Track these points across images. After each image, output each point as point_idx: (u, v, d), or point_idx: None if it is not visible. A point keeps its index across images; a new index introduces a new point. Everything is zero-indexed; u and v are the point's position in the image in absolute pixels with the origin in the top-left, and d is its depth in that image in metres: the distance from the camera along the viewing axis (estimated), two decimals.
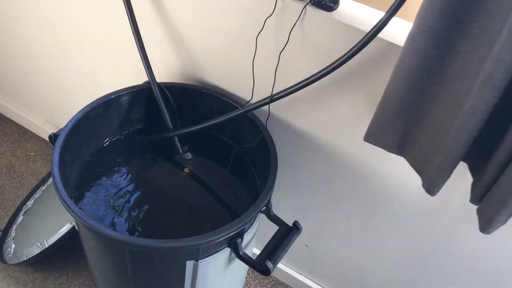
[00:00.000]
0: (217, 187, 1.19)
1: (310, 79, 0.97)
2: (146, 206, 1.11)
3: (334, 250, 1.40)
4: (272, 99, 1.03)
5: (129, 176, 1.17)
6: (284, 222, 1.06)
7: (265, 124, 1.10)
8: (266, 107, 1.07)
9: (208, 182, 1.20)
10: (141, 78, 1.25)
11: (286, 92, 1.01)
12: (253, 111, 1.10)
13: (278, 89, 1.02)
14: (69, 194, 1.02)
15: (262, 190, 1.05)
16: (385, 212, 1.18)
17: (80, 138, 1.13)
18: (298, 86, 0.99)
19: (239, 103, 1.19)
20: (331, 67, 0.93)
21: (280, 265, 1.58)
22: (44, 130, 1.94)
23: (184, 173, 1.19)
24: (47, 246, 1.34)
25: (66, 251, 1.52)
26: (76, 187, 1.12)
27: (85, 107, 1.12)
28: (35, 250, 1.35)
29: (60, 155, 1.03)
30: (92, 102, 1.14)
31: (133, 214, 1.09)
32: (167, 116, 1.21)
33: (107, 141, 1.23)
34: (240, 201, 1.16)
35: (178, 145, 1.22)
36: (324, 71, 0.94)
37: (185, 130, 1.17)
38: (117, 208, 1.09)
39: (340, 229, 1.33)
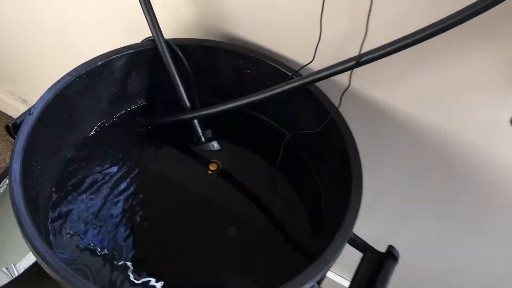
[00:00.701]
0: (260, 192, 0.81)
1: (427, 32, 0.59)
2: (153, 229, 0.74)
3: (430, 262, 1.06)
4: (359, 61, 0.64)
5: (128, 180, 0.79)
6: (372, 247, 0.70)
7: (339, 100, 0.72)
8: (338, 77, 0.69)
9: (245, 184, 0.82)
10: (139, 34, 0.85)
11: (384, 50, 0.62)
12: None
13: (352, 47, 0.64)
14: (40, 222, 0.65)
15: (329, 199, 0.70)
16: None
17: (54, 128, 0.74)
18: (406, 42, 0.60)
19: (290, 67, 0.80)
20: (465, 14, 0.55)
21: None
22: (4, 102, 1.52)
23: (209, 172, 0.82)
24: (17, 273, 0.96)
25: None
26: (53, 204, 0.74)
27: (58, 82, 0.73)
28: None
29: (23, 162, 0.64)
30: (69, 74, 0.74)
31: (134, 244, 0.72)
32: (182, 89, 0.82)
33: (94, 129, 0.84)
34: (296, 216, 0.79)
35: (199, 131, 0.84)
36: (452, 20, 0.56)
37: (209, 111, 0.79)
38: (109, 233, 0.72)
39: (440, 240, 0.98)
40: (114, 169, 0.80)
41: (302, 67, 0.78)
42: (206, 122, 0.85)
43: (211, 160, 0.84)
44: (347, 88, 0.68)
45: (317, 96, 0.77)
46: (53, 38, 1.18)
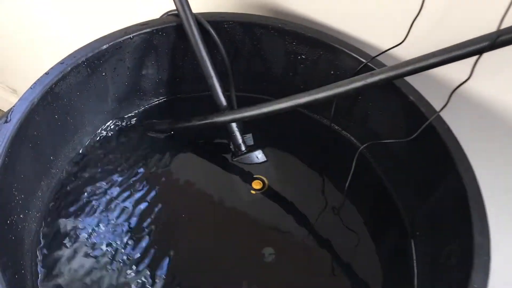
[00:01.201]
0: (318, 222, 0.61)
1: None
2: (183, 265, 0.54)
3: None
4: (495, 42, 0.43)
5: (145, 203, 0.58)
6: None
7: (447, 99, 0.50)
8: (442, 68, 0.47)
9: (299, 209, 0.62)
10: (157, 9, 0.63)
11: None
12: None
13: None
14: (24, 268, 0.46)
15: (423, 240, 0.54)
16: None
17: (43, 138, 0.53)
18: None
19: (364, 53, 0.58)
20: None
21: None
22: None
23: (252, 192, 0.61)
24: None
25: None
26: (44, 246, 0.53)
27: (47, 75, 0.51)
28: None
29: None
30: (63, 62, 0.53)
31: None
32: (216, 81, 0.61)
33: (98, 137, 0.63)
34: (368, 260, 0.58)
35: (239, 138, 0.63)
36: None
37: (253, 112, 0.58)
38: (125, 277, 0.52)
39: None
40: (126, 191, 0.59)
41: (384, 52, 0.56)
42: (245, 125, 0.64)
43: (255, 176, 0.63)
44: (467, 80, 0.46)
45: (406, 93, 0.55)
46: (47, 12, 0.95)
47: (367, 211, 0.61)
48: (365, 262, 0.56)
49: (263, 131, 0.65)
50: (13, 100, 1.37)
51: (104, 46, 0.55)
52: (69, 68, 0.53)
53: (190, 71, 0.65)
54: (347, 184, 0.59)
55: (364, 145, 0.59)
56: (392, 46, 0.55)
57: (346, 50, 0.59)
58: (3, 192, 0.45)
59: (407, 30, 0.52)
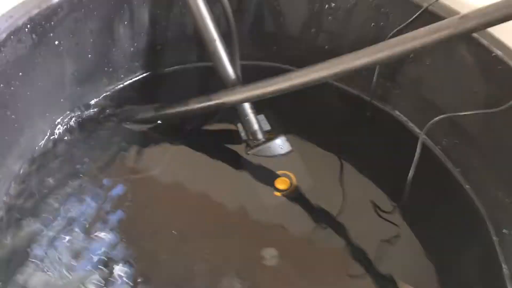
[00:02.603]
0: (363, 233, 0.45)
1: None
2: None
3: None
4: None
5: (119, 216, 0.41)
6: None
7: None
8: None
9: (336, 215, 0.46)
10: None
11: None
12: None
13: None
14: None
15: None
16: None
17: None
18: None
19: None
20: None
21: None
22: None
23: (275, 193, 0.45)
24: None
25: None
26: None
27: None
28: None
29: None
30: None
31: None
32: (219, 46, 0.43)
33: (50, 136, 0.44)
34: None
35: (254, 122, 0.46)
36: None
37: (275, 86, 0.41)
38: None
39: None
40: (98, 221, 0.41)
41: None
42: (262, 106, 0.47)
43: (277, 173, 0.46)
44: None
45: (487, 45, 0.40)
46: None
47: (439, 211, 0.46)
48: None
49: (279, 110, 0.48)
50: None
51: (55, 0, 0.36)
52: (4, 35, 0.33)
53: (178, 33, 0.47)
54: (410, 175, 0.43)
55: (433, 121, 0.43)
56: None
57: None
58: None
59: None
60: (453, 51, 0.43)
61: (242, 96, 0.43)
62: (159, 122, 0.47)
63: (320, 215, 0.46)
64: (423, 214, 0.46)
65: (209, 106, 0.44)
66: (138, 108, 0.47)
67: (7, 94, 0.37)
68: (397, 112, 0.50)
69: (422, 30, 0.36)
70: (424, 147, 0.45)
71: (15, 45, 0.35)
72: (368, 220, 0.45)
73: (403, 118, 0.50)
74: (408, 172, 0.43)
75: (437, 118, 0.44)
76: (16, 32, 0.35)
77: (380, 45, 0.38)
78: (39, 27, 0.37)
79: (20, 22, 0.35)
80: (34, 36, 0.36)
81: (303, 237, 0.45)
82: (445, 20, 0.36)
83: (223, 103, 0.43)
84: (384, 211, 0.46)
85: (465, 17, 0.35)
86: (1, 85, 0.35)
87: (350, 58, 0.39)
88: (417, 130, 0.48)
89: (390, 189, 0.47)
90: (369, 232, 0.45)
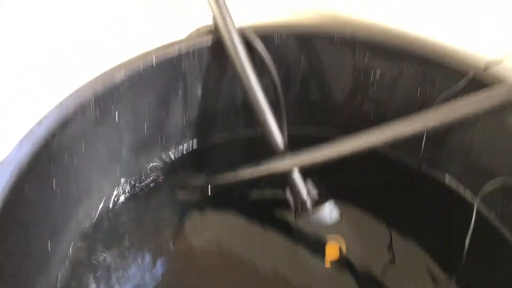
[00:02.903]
0: None
1: None
2: None
3: None
4: None
5: None
6: None
7: None
8: None
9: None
10: (182, 23, 0.47)
11: None
12: None
13: None
14: None
15: None
16: None
17: (36, 221, 0.35)
18: None
19: (470, 65, 0.43)
20: None
21: None
22: None
23: (327, 266, 0.44)
24: None
25: None
26: None
27: (39, 126, 0.34)
28: None
29: None
30: (62, 104, 0.35)
31: None
32: (269, 117, 0.44)
33: (106, 205, 0.45)
34: None
35: (303, 191, 0.46)
36: None
37: (324, 153, 0.41)
38: None
39: None
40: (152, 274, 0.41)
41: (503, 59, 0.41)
42: (314, 176, 0.47)
43: (325, 241, 0.46)
44: None
45: None
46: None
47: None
48: None
49: (324, 177, 0.48)
50: None
51: (118, 77, 0.38)
52: (72, 112, 0.35)
53: (228, 105, 0.48)
54: (465, 247, 0.42)
55: (488, 184, 0.43)
56: None
57: (445, 61, 0.44)
58: None
59: None
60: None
61: (291, 163, 0.44)
62: (209, 192, 0.48)
63: (373, 284, 0.45)
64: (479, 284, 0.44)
65: (259, 175, 0.45)
66: (189, 177, 0.49)
67: (71, 166, 0.38)
68: (448, 178, 0.49)
69: (474, 96, 0.37)
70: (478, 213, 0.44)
71: (80, 120, 0.37)
72: None
73: (454, 183, 0.49)
74: (462, 240, 0.42)
75: (492, 181, 0.43)
76: (82, 109, 0.37)
77: (432, 111, 0.38)
78: (101, 103, 0.39)
79: (86, 100, 0.37)
80: (97, 111, 0.38)
81: None
82: (496, 86, 0.37)
83: (272, 172, 0.44)
84: (438, 282, 0.44)
85: None
86: (66, 158, 0.37)
87: (402, 124, 0.39)
88: (470, 195, 0.47)
89: (443, 258, 0.45)
90: None
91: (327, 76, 0.49)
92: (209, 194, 0.47)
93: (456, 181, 0.48)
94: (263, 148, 0.46)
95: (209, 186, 0.47)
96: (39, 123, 0.34)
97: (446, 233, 0.46)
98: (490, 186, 0.42)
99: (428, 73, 0.45)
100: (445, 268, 0.44)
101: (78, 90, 0.36)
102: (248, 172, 0.45)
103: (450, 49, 0.45)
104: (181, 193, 0.48)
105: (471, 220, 0.41)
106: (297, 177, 0.46)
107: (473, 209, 0.41)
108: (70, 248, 0.41)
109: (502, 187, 0.44)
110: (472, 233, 0.41)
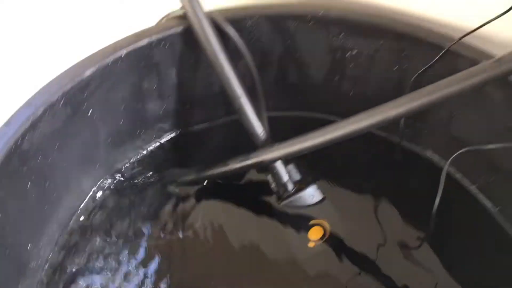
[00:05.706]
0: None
1: None
2: None
3: None
4: None
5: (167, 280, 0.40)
6: None
7: None
8: None
9: (381, 263, 0.45)
10: (147, 12, 0.46)
11: None
12: None
13: None
14: None
15: None
16: None
17: (13, 224, 0.34)
18: None
19: (446, 36, 0.43)
20: None
21: None
22: None
23: (309, 245, 0.44)
24: None
25: None
26: None
27: (7, 127, 0.33)
28: None
29: None
30: (29, 104, 0.34)
31: None
32: (245, 102, 0.44)
33: (88, 203, 0.45)
34: None
35: (283, 175, 0.45)
36: None
37: (306, 143, 0.40)
38: None
39: None
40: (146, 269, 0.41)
41: (479, 27, 0.40)
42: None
43: (311, 223, 0.46)
44: None
45: None
46: None
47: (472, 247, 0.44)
48: None
49: (306, 157, 0.48)
50: None
51: (88, 72, 0.38)
52: (40, 111, 0.35)
53: (204, 91, 0.48)
54: (434, 209, 0.42)
55: (457, 154, 0.42)
56: (493, 18, 0.39)
57: (420, 35, 0.43)
58: None
59: None
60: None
61: (280, 153, 0.43)
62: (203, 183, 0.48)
63: (357, 262, 0.45)
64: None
65: (248, 165, 0.44)
66: (179, 171, 0.48)
67: (45, 165, 0.38)
68: (428, 152, 0.49)
69: (459, 75, 0.36)
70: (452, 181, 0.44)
71: (50, 119, 0.36)
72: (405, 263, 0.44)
73: (435, 157, 0.49)
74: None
75: (463, 150, 0.43)
76: (51, 107, 0.36)
77: (417, 93, 0.37)
78: (72, 100, 0.38)
79: (54, 98, 0.36)
80: (68, 108, 0.38)
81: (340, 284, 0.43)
82: (480, 64, 0.36)
83: (261, 161, 0.43)
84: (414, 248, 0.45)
85: (500, 60, 0.34)
86: (40, 158, 0.37)
87: (389, 107, 0.38)
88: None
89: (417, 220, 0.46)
90: (408, 275, 0.43)
91: (304, 57, 0.49)
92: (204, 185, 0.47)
93: (436, 155, 0.48)
94: (245, 134, 0.45)
95: (200, 180, 0.47)
96: (7, 124, 0.33)
97: (425, 202, 0.45)
98: (462, 153, 0.42)
99: (404, 48, 0.44)
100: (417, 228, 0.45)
101: (45, 87, 0.35)
102: (237, 164, 0.44)
103: (424, 22, 0.44)
104: (172, 187, 0.48)
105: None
106: (278, 165, 0.45)
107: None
108: (52, 249, 0.41)
109: (472, 154, 0.43)
110: (445, 196, 0.41)
